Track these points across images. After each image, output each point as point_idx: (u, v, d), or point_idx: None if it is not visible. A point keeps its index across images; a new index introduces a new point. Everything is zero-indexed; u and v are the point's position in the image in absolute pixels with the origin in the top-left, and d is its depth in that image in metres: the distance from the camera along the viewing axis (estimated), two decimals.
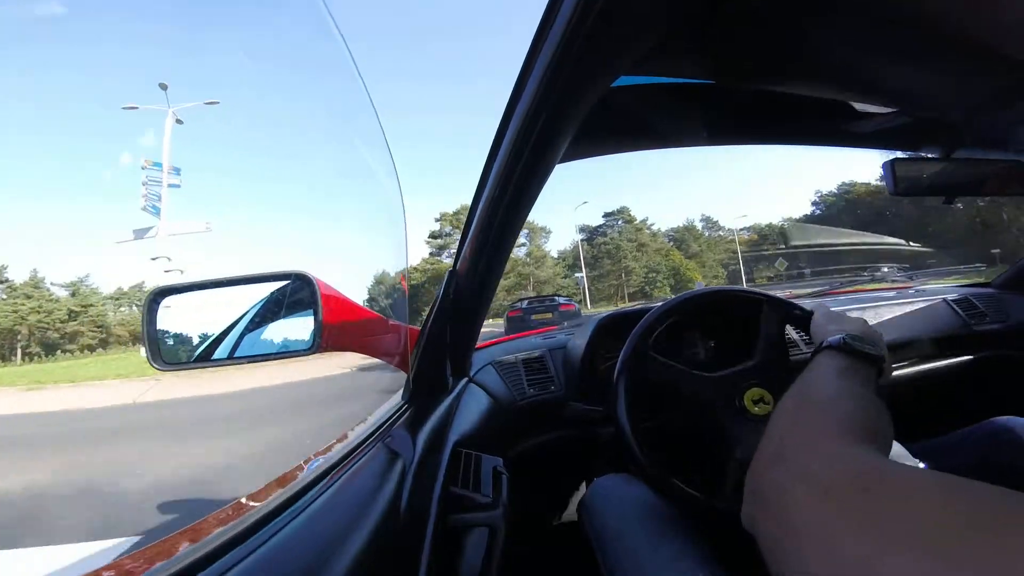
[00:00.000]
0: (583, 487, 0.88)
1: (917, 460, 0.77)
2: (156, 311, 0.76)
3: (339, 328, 0.77)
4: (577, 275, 38.52)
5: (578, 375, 1.14)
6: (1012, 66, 0.63)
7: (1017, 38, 0.57)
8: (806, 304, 0.88)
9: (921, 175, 0.96)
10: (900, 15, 0.53)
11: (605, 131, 0.86)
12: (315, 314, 0.74)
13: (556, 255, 48.28)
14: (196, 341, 0.84)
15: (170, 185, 20.63)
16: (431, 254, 44.38)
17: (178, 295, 0.82)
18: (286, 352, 0.80)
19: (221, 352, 0.83)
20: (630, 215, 46.86)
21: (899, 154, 1.01)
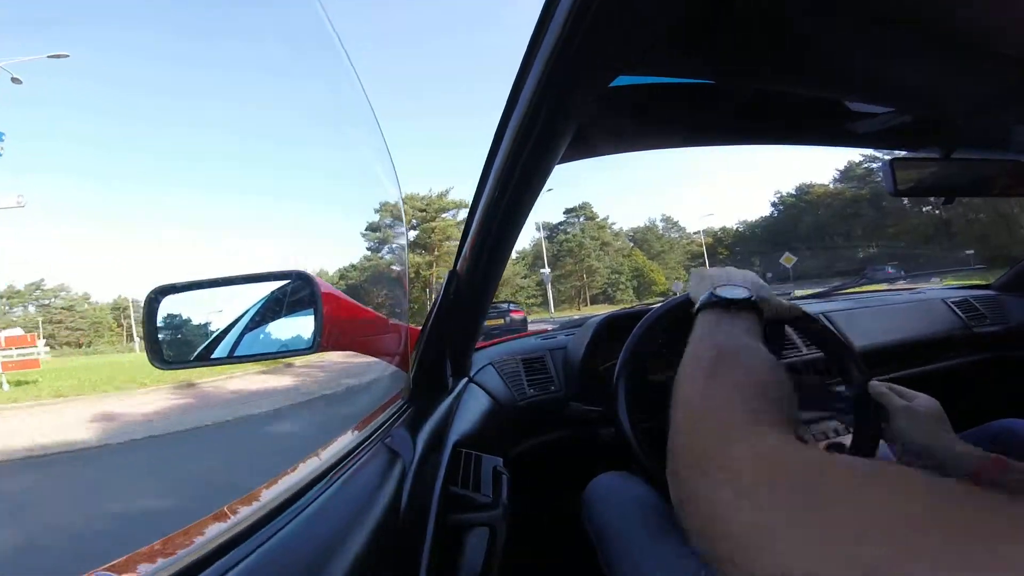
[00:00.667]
0: (583, 487, 0.88)
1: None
2: (156, 310, 0.76)
3: (339, 327, 0.76)
4: (543, 272, 36.01)
5: (578, 375, 1.14)
6: (1012, 66, 0.63)
7: (1017, 38, 0.57)
8: (800, 304, 0.88)
9: (920, 175, 0.97)
10: (900, 15, 0.53)
11: (604, 131, 0.86)
12: (315, 313, 0.74)
13: (514, 254, 45.55)
14: (196, 340, 0.84)
15: None
16: (369, 248, 40.61)
17: (178, 294, 0.82)
18: (286, 351, 0.80)
19: (221, 351, 0.83)
20: (592, 211, 44.71)
21: (899, 154, 1.01)
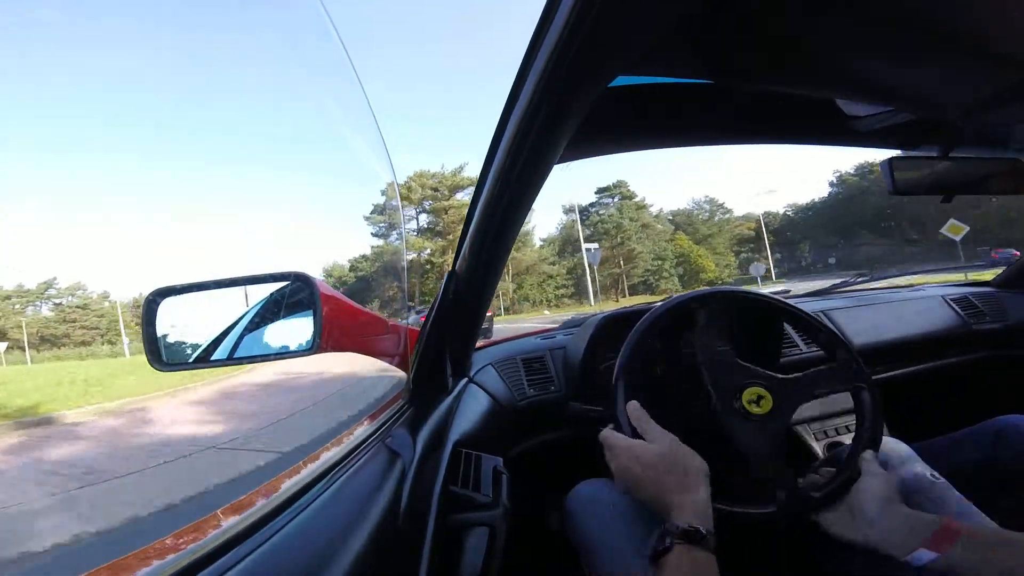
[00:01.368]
0: (569, 492, 0.88)
1: (924, 461, 0.77)
2: (155, 312, 0.76)
3: (339, 328, 0.77)
4: (589, 248, 28.60)
5: (578, 375, 1.14)
6: (1012, 66, 0.63)
7: (1017, 38, 0.57)
8: (801, 304, 0.88)
9: (919, 174, 0.97)
10: (899, 15, 0.53)
11: (603, 131, 0.86)
12: (315, 314, 0.74)
13: (538, 240, 40.73)
14: (195, 341, 0.84)
15: None
16: (374, 235, 38.54)
17: (177, 296, 0.82)
18: (286, 352, 0.80)
19: (221, 352, 0.83)
20: (628, 190, 39.36)
21: (898, 153, 1.01)
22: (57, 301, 37.36)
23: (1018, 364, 1.51)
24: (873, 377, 0.78)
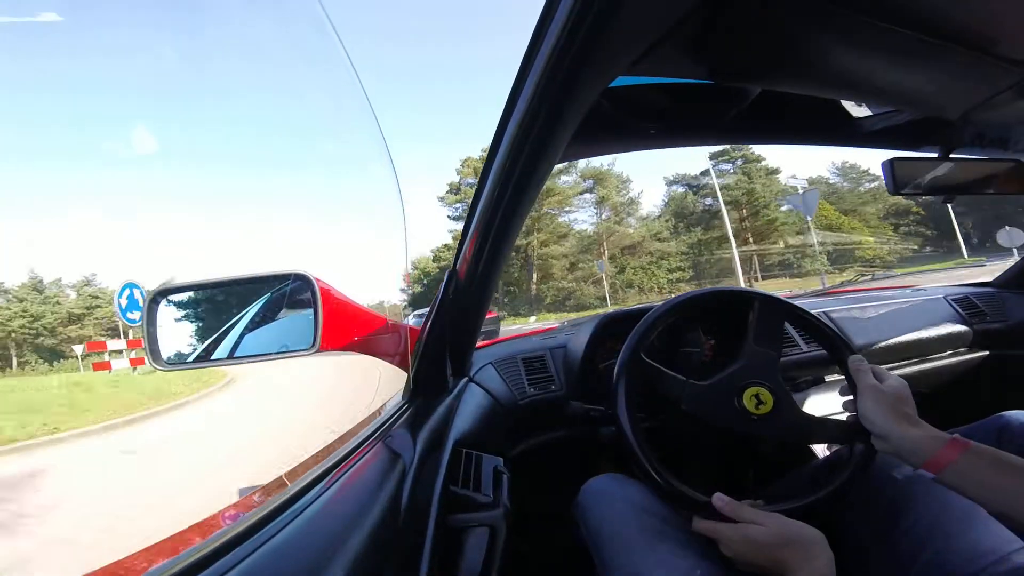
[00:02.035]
0: (582, 487, 0.88)
1: None
2: (156, 311, 0.76)
3: (339, 328, 0.77)
4: (804, 191, 17.76)
5: (578, 374, 1.14)
6: (1012, 66, 0.63)
7: (1017, 38, 0.57)
8: (802, 304, 0.88)
9: (920, 174, 0.97)
10: (899, 15, 0.53)
11: (603, 130, 0.86)
12: (315, 314, 0.74)
13: (645, 210, 33.97)
14: (196, 341, 0.84)
15: None
16: (451, 217, 34.46)
17: (179, 295, 0.82)
18: (286, 351, 0.80)
19: (221, 351, 0.83)
20: (753, 153, 30.78)
21: (898, 153, 1.01)
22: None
23: (1019, 364, 1.51)
24: None
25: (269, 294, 0.88)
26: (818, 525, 0.67)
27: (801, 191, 20.29)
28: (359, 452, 0.59)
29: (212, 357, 0.84)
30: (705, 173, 32.09)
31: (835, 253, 27.85)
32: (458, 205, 33.88)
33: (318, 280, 0.76)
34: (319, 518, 0.42)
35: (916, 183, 0.97)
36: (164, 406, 8.12)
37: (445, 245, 36.31)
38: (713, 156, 31.97)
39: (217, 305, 0.88)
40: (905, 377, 0.74)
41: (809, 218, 17.10)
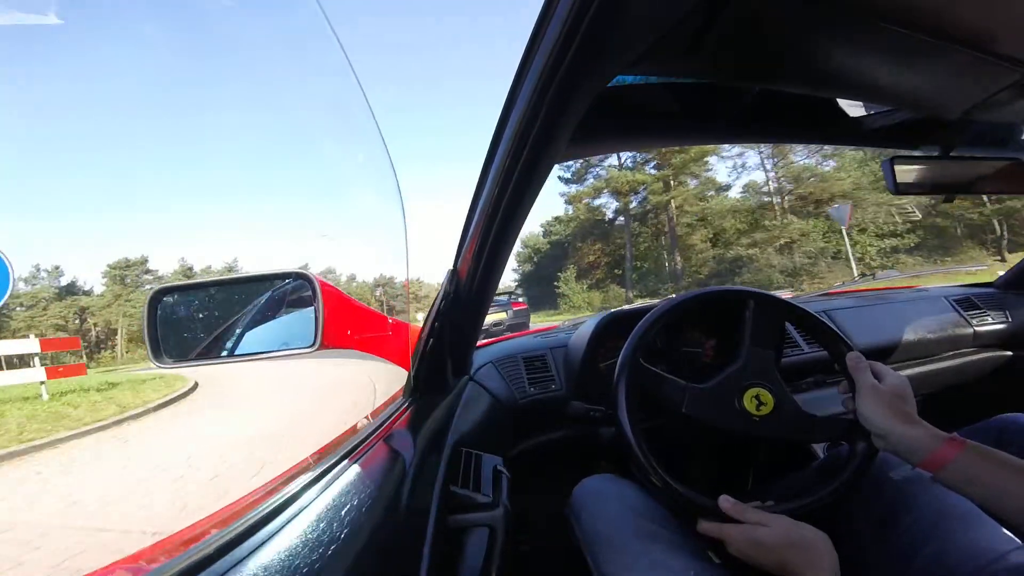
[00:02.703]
0: (575, 488, 0.88)
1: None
2: (157, 309, 0.76)
3: (340, 326, 0.77)
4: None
5: (579, 374, 1.14)
6: (1012, 66, 0.63)
7: (1017, 38, 0.57)
8: (803, 305, 0.87)
9: (920, 174, 0.97)
10: (899, 15, 0.53)
11: (603, 130, 0.86)
12: (316, 312, 0.74)
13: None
14: (197, 339, 0.84)
15: None
16: (565, 179, 29.17)
17: (180, 293, 0.82)
18: (287, 349, 0.80)
19: (222, 349, 0.83)
20: None
21: (898, 153, 1.01)
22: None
23: (1020, 364, 1.51)
24: None
25: (270, 293, 0.89)
26: (818, 525, 0.67)
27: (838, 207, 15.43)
28: (359, 451, 0.59)
29: (212, 355, 0.84)
30: None
31: None
32: (569, 163, 25.42)
33: (319, 278, 0.76)
34: (319, 518, 0.42)
35: (916, 182, 0.97)
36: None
37: (556, 218, 33.03)
38: None
39: (218, 304, 0.88)
40: (907, 378, 0.74)
41: (844, 226, 13.18)
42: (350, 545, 0.41)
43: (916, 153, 1.05)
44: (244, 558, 0.34)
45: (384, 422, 0.72)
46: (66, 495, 3.48)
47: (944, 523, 0.65)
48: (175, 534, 0.38)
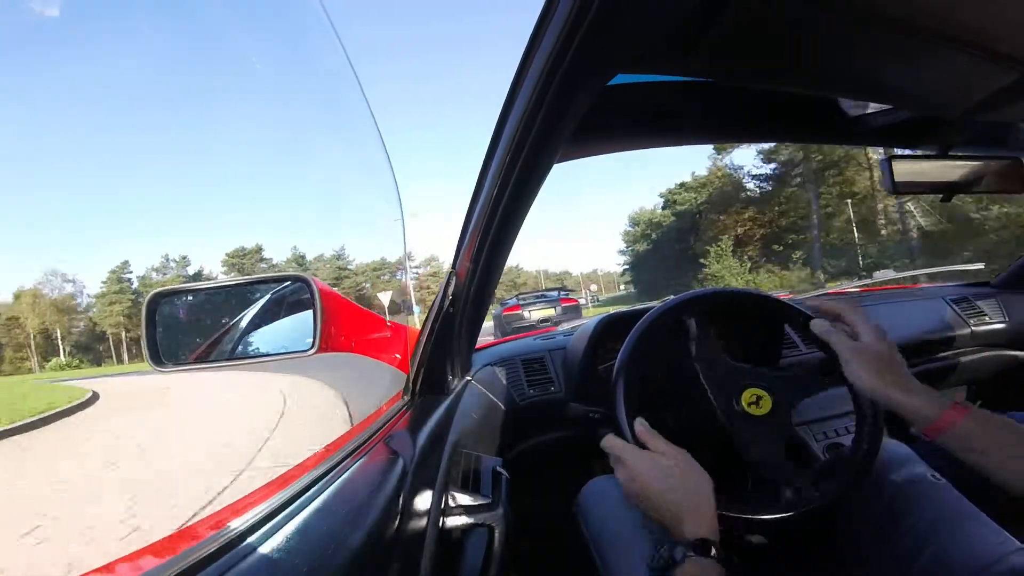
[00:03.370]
0: (583, 487, 0.88)
1: (925, 461, 0.77)
2: (155, 313, 0.76)
3: (339, 329, 0.77)
4: None
5: (578, 376, 1.14)
6: (1012, 66, 0.63)
7: (1017, 38, 0.57)
8: (801, 306, 0.87)
9: (918, 172, 0.97)
10: (899, 14, 0.53)
11: (603, 129, 0.86)
12: (315, 315, 0.74)
13: None
14: (195, 342, 0.84)
15: None
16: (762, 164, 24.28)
17: (178, 297, 0.82)
18: (286, 353, 0.80)
19: (220, 353, 0.83)
20: None
21: (897, 152, 1.01)
22: None
23: (1018, 364, 1.51)
24: None
25: (269, 296, 0.89)
26: (818, 526, 0.67)
27: None
28: (359, 452, 0.59)
29: (211, 358, 0.84)
30: None
31: None
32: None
33: (317, 282, 0.76)
34: (319, 518, 0.42)
35: (915, 181, 0.97)
36: None
37: (681, 184, 27.34)
38: None
39: (217, 307, 0.88)
40: None
41: None
42: (350, 546, 0.41)
43: (915, 153, 1.05)
44: (244, 558, 0.33)
45: (383, 423, 0.72)
46: None
47: (944, 524, 0.65)
48: (175, 534, 0.38)
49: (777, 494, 0.72)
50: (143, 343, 0.75)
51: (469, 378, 1.10)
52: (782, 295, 1.30)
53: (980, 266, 1.92)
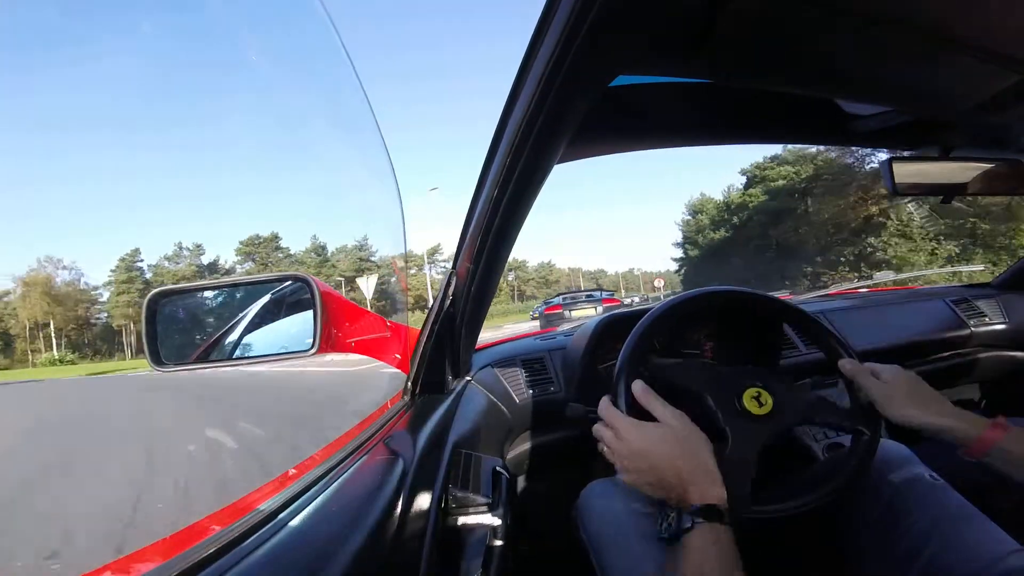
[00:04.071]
0: (583, 488, 0.88)
1: (924, 463, 0.77)
2: (156, 312, 0.76)
3: (339, 329, 0.77)
4: None
5: (578, 376, 1.14)
6: (1012, 66, 0.63)
7: (1017, 38, 0.57)
8: (801, 306, 0.87)
9: (919, 174, 0.97)
10: (899, 14, 0.53)
11: (603, 130, 0.86)
12: (315, 315, 0.74)
13: None
14: (195, 342, 0.84)
15: None
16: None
17: (178, 296, 0.82)
18: (286, 353, 0.80)
19: (220, 353, 0.83)
20: None
21: (897, 153, 1.01)
22: None
23: (1018, 365, 1.51)
24: None
25: (269, 296, 0.88)
26: (819, 526, 0.67)
27: None
28: (359, 452, 0.59)
29: (211, 359, 0.84)
30: None
31: None
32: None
33: (318, 281, 0.76)
34: (319, 518, 0.42)
35: (915, 183, 0.97)
36: None
37: (773, 157, 23.17)
38: None
39: (217, 307, 0.88)
40: None
41: None
42: (350, 546, 0.41)
43: (916, 153, 1.05)
44: (244, 558, 0.34)
45: (383, 423, 0.72)
46: None
47: (943, 525, 0.65)
48: (175, 534, 0.38)
49: (778, 494, 0.72)
50: (144, 342, 0.75)
51: (469, 378, 1.10)
52: (782, 295, 1.30)
53: (980, 267, 1.92)
